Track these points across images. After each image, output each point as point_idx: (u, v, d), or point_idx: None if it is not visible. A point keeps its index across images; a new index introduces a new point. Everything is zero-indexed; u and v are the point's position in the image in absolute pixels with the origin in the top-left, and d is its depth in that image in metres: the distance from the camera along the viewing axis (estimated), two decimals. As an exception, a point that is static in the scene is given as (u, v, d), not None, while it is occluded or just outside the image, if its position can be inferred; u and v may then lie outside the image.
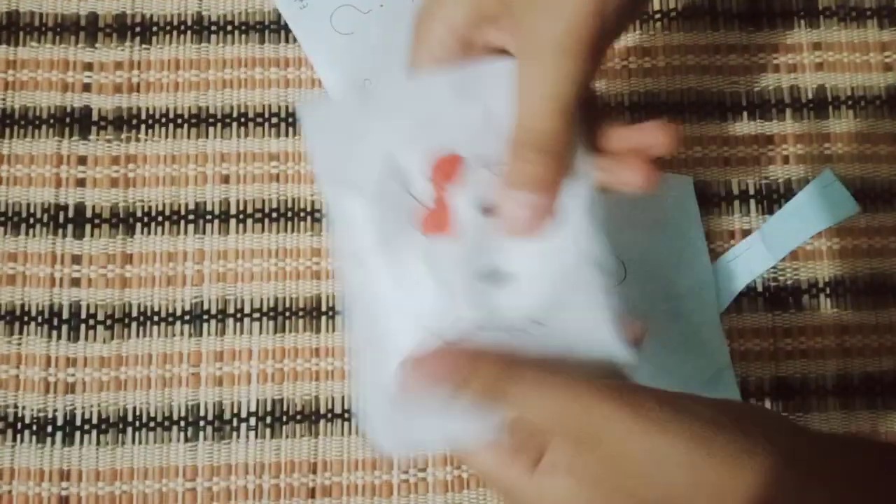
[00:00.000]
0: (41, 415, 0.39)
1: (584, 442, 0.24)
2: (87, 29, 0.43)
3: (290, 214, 0.41)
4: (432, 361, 0.25)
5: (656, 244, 0.41)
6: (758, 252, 0.41)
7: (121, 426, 0.39)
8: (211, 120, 0.42)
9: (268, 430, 0.39)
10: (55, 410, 0.39)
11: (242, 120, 0.42)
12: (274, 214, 0.41)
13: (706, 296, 0.40)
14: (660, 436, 0.23)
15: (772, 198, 0.42)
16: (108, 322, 0.40)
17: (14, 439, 0.39)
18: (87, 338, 0.40)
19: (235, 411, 0.39)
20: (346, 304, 0.26)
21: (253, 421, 0.39)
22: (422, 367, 0.24)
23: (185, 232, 0.41)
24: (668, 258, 0.41)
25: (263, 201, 0.42)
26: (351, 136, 0.25)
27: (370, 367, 0.25)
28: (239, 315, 0.40)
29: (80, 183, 0.42)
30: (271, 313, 0.40)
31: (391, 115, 0.26)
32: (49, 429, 0.39)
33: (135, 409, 0.39)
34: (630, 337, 0.26)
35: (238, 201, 0.42)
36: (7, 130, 0.42)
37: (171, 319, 0.40)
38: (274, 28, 0.43)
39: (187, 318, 0.40)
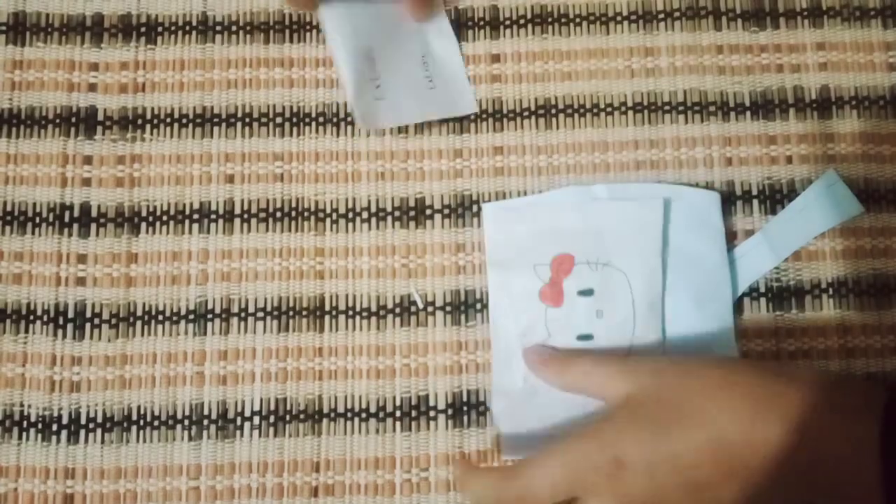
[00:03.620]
0: (46, 413, 0.39)
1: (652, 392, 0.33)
2: (93, 29, 0.44)
3: (293, 214, 0.42)
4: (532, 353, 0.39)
5: (678, 258, 0.41)
6: (761, 252, 0.41)
7: (125, 425, 0.39)
8: (216, 120, 0.43)
9: (271, 429, 0.39)
10: (60, 409, 0.40)
11: (247, 120, 0.43)
12: (278, 214, 0.42)
13: (724, 310, 0.40)
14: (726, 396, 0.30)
15: (775, 198, 0.42)
16: (113, 321, 0.40)
17: (20, 437, 0.39)
18: (92, 336, 0.40)
19: (239, 410, 0.40)
20: (493, 339, 0.40)
21: (256, 420, 0.39)
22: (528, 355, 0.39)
23: (190, 231, 0.41)
24: (690, 272, 0.41)
25: (268, 201, 0.42)
26: (513, 231, 0.41)
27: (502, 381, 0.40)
28: (243, 314, 0.41)
29: (86, 182, 0.42)
30: (275, 313, 0.41)
31: (537, 223, 0.41)
32: (54, 427, 0.39)
33: (139, 407, 0.40)
34: None
35: (242, 201, 0.42)
36: (13, 130, 0.42)
37: (175, 318, 0.40)
38: (279, 28, 0.44)
39: (192, 317, 0.40)
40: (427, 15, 0.42)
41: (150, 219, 0.41)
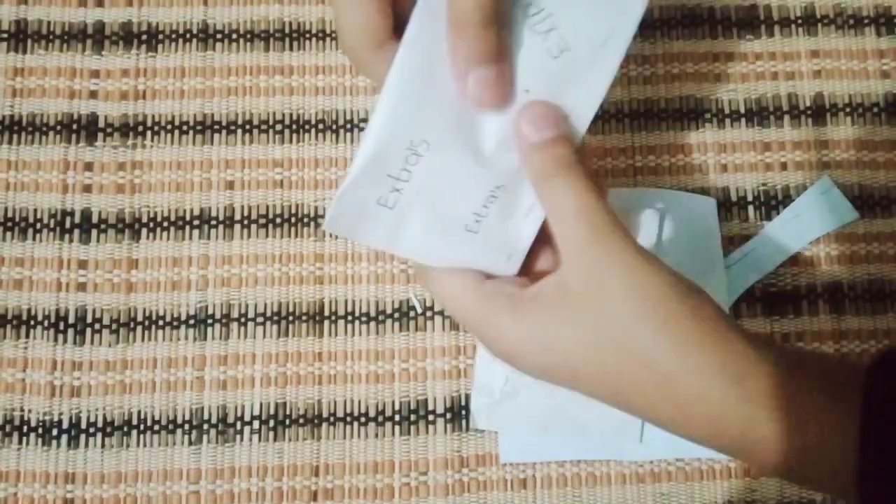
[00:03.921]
0: (47, 418, 0.40)
1: (591, 258, 0.26)
2: (94, 37, 0.44)
3: (293, 220, 0.42)
4: (544, 108, 0.27)
5: (674, 263, 0.41)
6: (757, 257, 0.42)
7: (125, 429, 0.40)
8: (216, 127, 0.43)
9: (271, 434, 0.40)
10: (61, 414, 0.40)
11: (247, 127, 0.43)
12: (278, 220, 0.42)
13: None
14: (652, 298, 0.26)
15: (770, 204, 0.43)
16: (114, 326, 0.41)
17: (20, 442, 0.39)
18: (92, 342, 0.41)
19: (239, 415, 0.40)
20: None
21: (256, 424, 0.40)
22: (532, 113, 0.27)
23: (190, 237, 0.42)
24: (686, 276, 0.41)
25: (267, 207, 0.42)
26: None
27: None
28: (243, 319, 0.41)
29: (87, 189, 0.42)
30: (275, 318, 0.41)
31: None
32: (54, 432, 0.39)
33: (139, 412, 0.40)
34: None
35: (242, 207, 0.42)
36: (14, 137, 0.43)
37: (175, 324, 0.41)
38: (278, 37, 0.44)
39: (192, 322, 0.41)
40: (495, 99, 0.27)
41: (151, 225, 0.42)
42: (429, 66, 0.26)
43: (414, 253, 0.28)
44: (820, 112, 0.44)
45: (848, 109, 0.44)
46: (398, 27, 0.26)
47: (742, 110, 0.44)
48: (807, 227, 0.42)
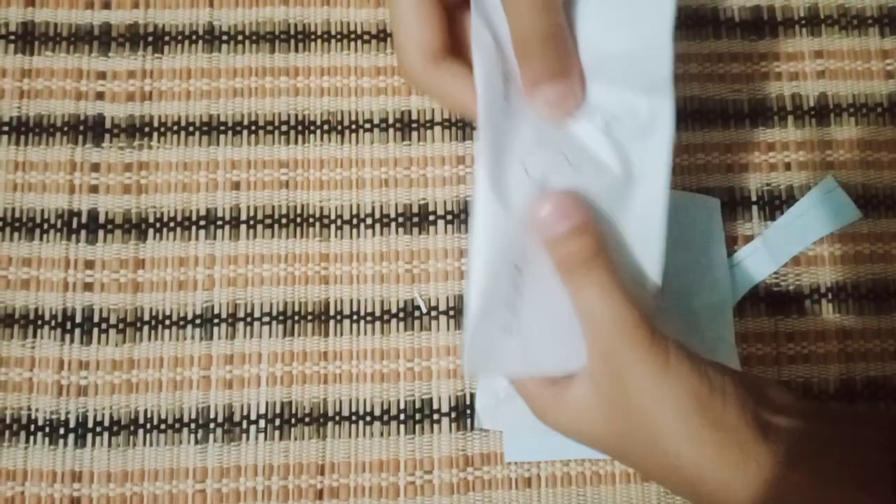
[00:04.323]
0: (53, 417, 0.40)
1: (613, 367, 0.27)
2: (101, 38, 0.44)
3: (298, 220, 0.42)
4: (565, 196, 0.27)
5: (678, 263, 0.41)
6: (760, 257, 0.42)
7: (132, 428, 0.40)
8: (222, 128, 0.43)
9: (276, 433, 0.40)
10: (67, 413, 0.40)
11: (253, 128, 0.43)
12: (283, 220, 0.42)
13: (723, 316, 0.41)
14: (678, 390, 0.27)
15: (773, 204, 0.43)
16: (121, 326, 0.41)
17: (27, 441, 0.40)
18: (99, 341, 0.41)
19: (245, 413, 0.40)
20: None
21: (262, 423, 0.40)
22: (551, 204, 0.27)
23: (197, 237, 0.42)
24: (689, 277, 0.41)
25: (273, 207, 0.42)
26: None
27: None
28: (249, 319, 0.41)
29: (94, 189, 0.42)
30: (280, 317, 0.41)
31: None
32: (61, 431, 0.40)
33: (146, 411, 0.40)
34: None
35: (248, 207, 0.42)
36: (22, 138, 0.43)
37: (182, 323, 0.41)
38: (284, 38, 0.44)
39: (198, 321, 0.41)
40: (562, 114, 0.28)
41: (157, 225, 0.42)
42: (502, 182, 0.27)
43: (542, 368, 0.29)
44: (823, 112, 0.44)
45: (852, 110, 0.44)
46: (456, 48, 0.28)
47: (746, 110, 0.44)
48: (811, 227, 0.42)
